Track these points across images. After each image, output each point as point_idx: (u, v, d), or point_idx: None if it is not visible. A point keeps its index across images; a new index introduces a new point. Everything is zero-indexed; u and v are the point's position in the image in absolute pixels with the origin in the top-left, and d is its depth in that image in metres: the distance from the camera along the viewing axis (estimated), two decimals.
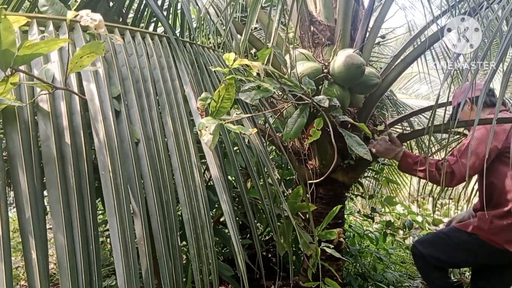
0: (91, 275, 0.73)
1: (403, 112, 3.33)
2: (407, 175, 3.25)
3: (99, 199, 1.21)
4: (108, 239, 2.39)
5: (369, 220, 3.09)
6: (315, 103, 1.32)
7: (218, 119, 0.94)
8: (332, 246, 1.54)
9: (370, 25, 1.99)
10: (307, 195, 1.57)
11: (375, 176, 3.28)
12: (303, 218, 1.73)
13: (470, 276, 2.22)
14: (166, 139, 1.04)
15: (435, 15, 1.92)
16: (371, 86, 1.71)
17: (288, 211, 1.18)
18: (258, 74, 1.15)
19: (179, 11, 2.23)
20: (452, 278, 2.50)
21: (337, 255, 1.60)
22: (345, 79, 1.63)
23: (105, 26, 0.82)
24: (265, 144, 1.34)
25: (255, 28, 2.79)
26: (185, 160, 1.01)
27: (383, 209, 3.31)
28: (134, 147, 0.91)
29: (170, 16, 2.17)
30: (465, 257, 1.96)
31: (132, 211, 0.83)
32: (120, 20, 2.06)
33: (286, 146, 1.91)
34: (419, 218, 4.42)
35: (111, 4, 1.93)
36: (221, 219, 2.26)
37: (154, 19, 2.26)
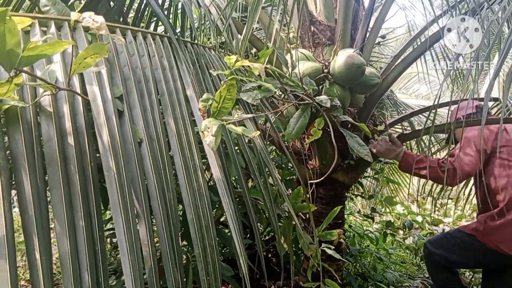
0: (98, 275, 0.73)
1: (403, 112, 3.34)
2: (407, 175, 3.25)
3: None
4: (108, 239, 2.38)
5: (369, 220, 3.09)
6: (316, 104, 1.32)
7: (220, 120, 0.94)
8: (332, 247, 1.54)
9: (371, 25, 1.99)
10: (307, 195, 1.57)
11: (375, 176, 3.29)
12: (303, 218, 1.74)
13: (470, 278, 2.22)
14: (167, 139, 1.04)
15: (435, 15, 1.92)
16: (371, 86, 1.71)
17: (292, 211, 1.18)
18: (259, 75, 1.15)
19: (179, 11, 2.23)
20: None
21: (338, 256, 1.60)
22: (345, 79, 1.63)
23: (107, 26, 0.82)
24: (265, 144, 1.34)
25: (255, 28, 2.79)
26: (188, 160, 1.01)
27: (383, 209, 3.32)
28: (137, 147, 0.91)
29: (171, 16, 2.17)
30: (465, 257, 1.98)
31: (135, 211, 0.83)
32: (121, 20, 2.05)
33: (286, 146, 1.91)
34: (419, 218, 4.43)
35: (111, 4, 1.92)
36: (221, 219, 2.27)
37: (155, 19, 2.26)
